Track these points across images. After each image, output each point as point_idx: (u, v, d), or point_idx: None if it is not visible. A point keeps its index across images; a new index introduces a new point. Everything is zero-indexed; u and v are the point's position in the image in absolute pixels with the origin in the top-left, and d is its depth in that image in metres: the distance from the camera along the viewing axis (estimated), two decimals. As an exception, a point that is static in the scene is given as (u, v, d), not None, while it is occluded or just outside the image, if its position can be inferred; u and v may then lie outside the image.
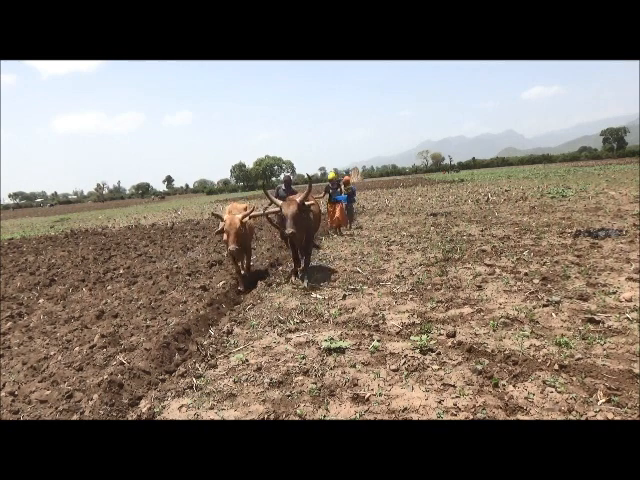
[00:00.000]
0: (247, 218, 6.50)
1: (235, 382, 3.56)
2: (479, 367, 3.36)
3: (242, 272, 6.97)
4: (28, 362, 4.37)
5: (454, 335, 4.05)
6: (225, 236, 6.40)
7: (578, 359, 3.38)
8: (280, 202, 6.29)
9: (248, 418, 3.00)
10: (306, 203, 6.30)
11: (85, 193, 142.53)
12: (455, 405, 2.91)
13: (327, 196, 11.64)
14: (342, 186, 11.77)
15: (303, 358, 3.89)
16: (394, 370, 3.49)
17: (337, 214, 11.33)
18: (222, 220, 6.38)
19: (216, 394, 3.38)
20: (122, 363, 4.02)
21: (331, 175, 11.81)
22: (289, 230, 5.84)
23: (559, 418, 2.67)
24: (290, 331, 4.61)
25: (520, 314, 4.46)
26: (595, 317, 4.13)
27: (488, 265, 6.57)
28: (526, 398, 2.93)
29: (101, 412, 3.19)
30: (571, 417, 2.68)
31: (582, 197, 14.70)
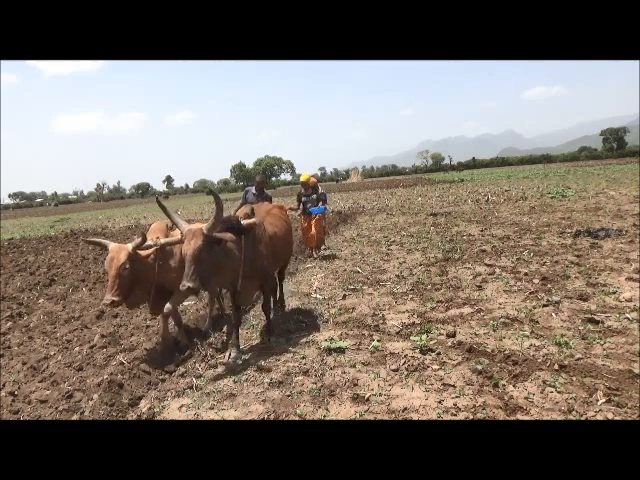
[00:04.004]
0: (151, 250, 4.09)
1: (235, 382, 3.56)
2: (479, 367, 3.36)
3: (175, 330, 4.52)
4: (28, 362, 4.37)
5: (454, 335, 4.05)
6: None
7: (578, 359, 3.38)
8: (186, 227, 3.71)
9: (248, 418, 3.00)
10: (244, 222, 4.00)
11: (85, 193, 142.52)
12: (455, 405, 2.91)
13: (301, 207, 8.66)
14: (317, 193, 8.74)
15: (303, 358, 3.89)
16: (394, 370, 3.49)
17: (313, 230, 8.45)
18: (106, 250, 4.00)
19: (216, 394, 3.38)
20: (122, 363, 4.02)
21: (304, 177, 8.69)
22: (183, 284, 3.37)
23: (559, 418, 2.67)
24: (290, 331, 4.61)
25: (520, 314, 4.46)
26: (595, 317, 4.13)
27: (488, 265, 6.57)
28: (526, 398, 2.93)
29: (101, 412, 3.19)
30: (571, 417, 2.67)
31: (582, 197, 14.69)
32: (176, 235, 4.20)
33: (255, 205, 4.84)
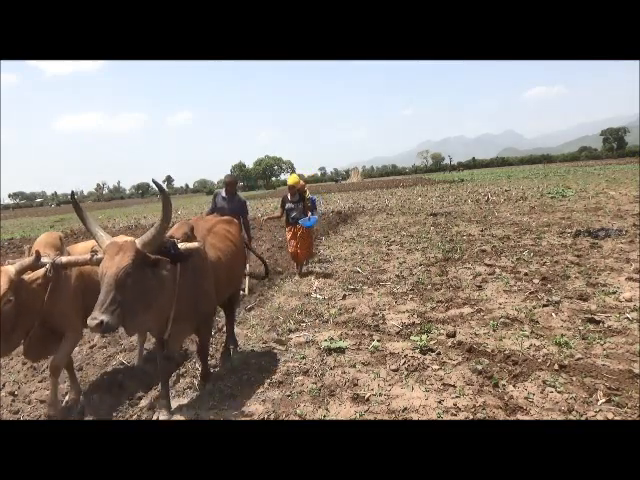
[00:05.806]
0: (39, 272, 2.78)
1: (235, 382, 3.56)
2: (479, 367, 3.36)
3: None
4: (28, 362, 4.37)
5: (454, 335, 4.05)
6: None
7: (578, 359, 3.38)
8: (107, 241, 2.64)
9: (248, 418, 3.00)
10: (182, 246, 2.85)
11: (85, 193, 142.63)
12: (455, 405, 2.90)
13: (285, 215, 7.28)
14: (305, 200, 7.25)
15: (303, 358, 3.89)
16: (394, 370, 3.49)
17: (299, 245, 7.12)
18: None
19: (216, 394, 3.38)
20: (122, 363, 4.02)
21: (291, 180, 7.23)
22: (94, 317, 2.31)
23: (559, 418, 2.67)
24: (290, 331, 4.61)
25: (520, 314, 4.46)
26: (595, 317, 4.13)
27: (488, 265, 6.57)
28: (526, 398, 2.93)
29: (101, 412, 3.19)
30: (571, 417, 2.68)
31: (582, 197, 14.69)
32: (79, 252, 3.20)
33: (195, 220, 3.75)
